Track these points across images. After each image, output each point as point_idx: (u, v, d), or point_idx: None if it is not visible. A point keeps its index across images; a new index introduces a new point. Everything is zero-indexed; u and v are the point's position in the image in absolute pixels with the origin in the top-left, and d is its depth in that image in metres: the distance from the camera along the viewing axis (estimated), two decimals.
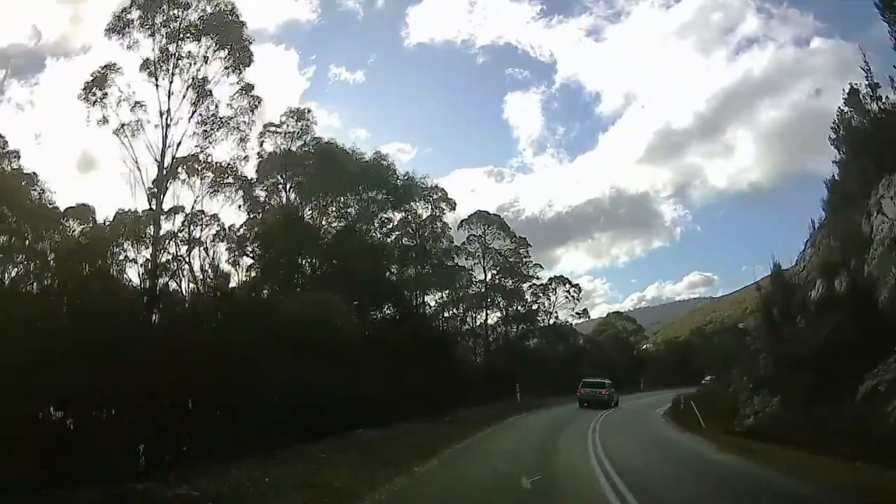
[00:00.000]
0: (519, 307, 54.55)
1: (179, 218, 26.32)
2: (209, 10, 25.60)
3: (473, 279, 51.36)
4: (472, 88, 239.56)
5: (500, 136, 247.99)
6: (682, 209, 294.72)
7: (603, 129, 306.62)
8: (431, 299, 42.47)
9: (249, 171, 29.52)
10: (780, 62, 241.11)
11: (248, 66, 26.27)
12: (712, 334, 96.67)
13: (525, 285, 56.72)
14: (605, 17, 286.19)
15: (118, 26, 25.02)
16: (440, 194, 40.96)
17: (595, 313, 78.41)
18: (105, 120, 24.48)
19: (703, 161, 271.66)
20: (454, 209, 42.69)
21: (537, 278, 57.81)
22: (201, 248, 26.30)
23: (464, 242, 51.17)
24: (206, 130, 25.37)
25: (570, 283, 60.46)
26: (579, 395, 36.43)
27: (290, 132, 31.50)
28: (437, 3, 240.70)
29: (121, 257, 22.11)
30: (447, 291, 44.19)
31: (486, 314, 52.50)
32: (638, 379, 63.91)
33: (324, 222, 30.67)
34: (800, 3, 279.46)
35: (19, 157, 25.18)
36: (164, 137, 24.43)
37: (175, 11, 25.15)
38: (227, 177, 27.03)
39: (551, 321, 58.45)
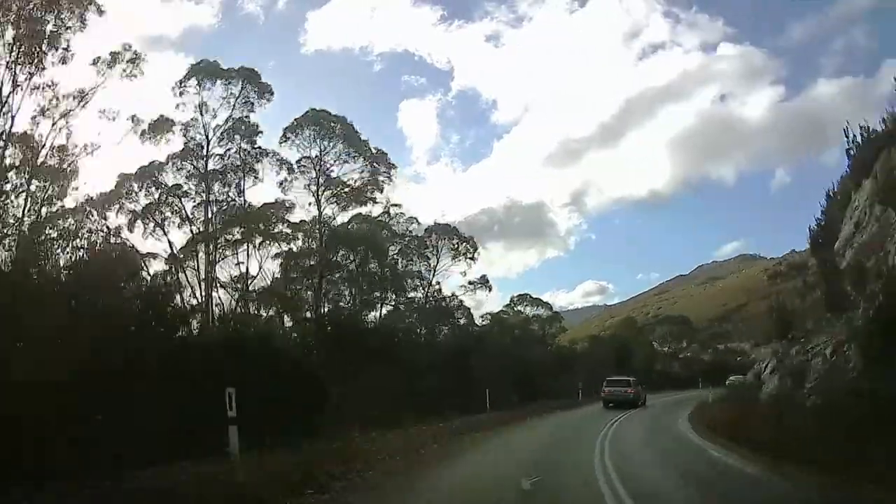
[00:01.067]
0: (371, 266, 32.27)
1: None
2: None
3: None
4: (368, 96, 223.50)
5: (394, 144, 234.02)
6: (577, 218, 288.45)
7: (498, 137, 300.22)
8: None
9: None
10: (686, 68, 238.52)
11: None
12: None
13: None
14: (507, 21, 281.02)
15: None
16: None
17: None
18: None
19: (601, 169, 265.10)
20: None
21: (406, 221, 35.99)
22: None
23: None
24: None
25: (459, 235, 38.96)
26: (603, 394, 35.69)
27: None
28: (339, 8, 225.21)
29: None
30: None
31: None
32: (574, 385, 42.61)
33: None
34: (710, 7, 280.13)
35: None
36: None
37: None
38: None
39: (432, 292, 36.83)
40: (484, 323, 45.34)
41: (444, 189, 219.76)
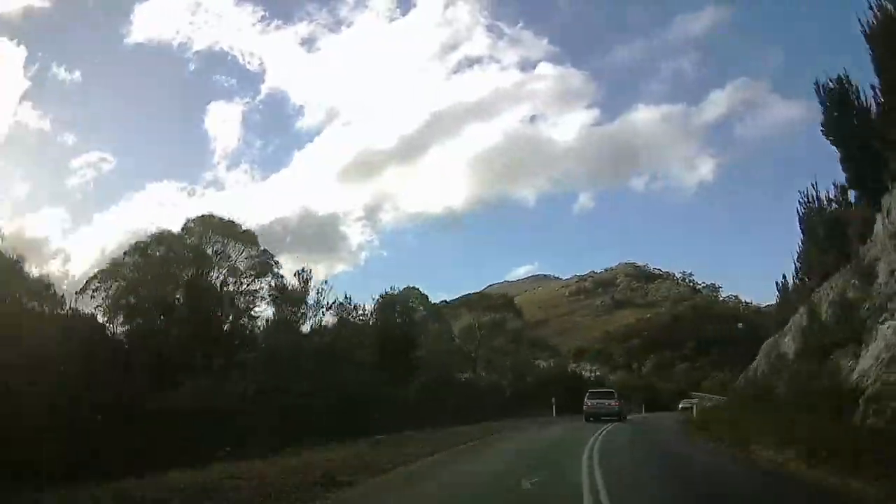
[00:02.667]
0: None
1: None
2: None
3: None
4: (179, 96, 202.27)
5: (198, 148, 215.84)
6: (370, 233, 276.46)
7: (300, 146, 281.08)
8: None
9: None
10: (500, 85, 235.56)
11: None
12: None
13: None
14: (326, 25, 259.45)
15: None
16: None
17: None
18: None
19: (400, 184, 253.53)
20: None
21: None
22: None
23: None
24: None
25: None
26: (585, 407, 34.34)
27: None
28: (164, 1, 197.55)
29: None
30: None
31: None
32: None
33: None
34: (536, 24, 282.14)
35: None
36: None
37: None
38: None
39: None
40: None
41: (243, 196, 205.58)
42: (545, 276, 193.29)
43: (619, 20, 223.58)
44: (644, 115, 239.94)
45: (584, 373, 71.63)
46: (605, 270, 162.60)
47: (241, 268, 32.09)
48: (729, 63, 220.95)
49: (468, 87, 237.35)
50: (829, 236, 29.66)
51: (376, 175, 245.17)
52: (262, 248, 33.45)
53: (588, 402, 34.55)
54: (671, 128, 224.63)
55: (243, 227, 32.95)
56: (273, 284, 32.50)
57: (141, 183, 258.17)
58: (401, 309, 41.13)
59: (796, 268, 36.61)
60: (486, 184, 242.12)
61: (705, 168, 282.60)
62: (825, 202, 32.85)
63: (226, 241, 31.66)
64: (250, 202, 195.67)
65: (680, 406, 61.88)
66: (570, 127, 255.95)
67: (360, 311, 37.27)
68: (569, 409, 44.83)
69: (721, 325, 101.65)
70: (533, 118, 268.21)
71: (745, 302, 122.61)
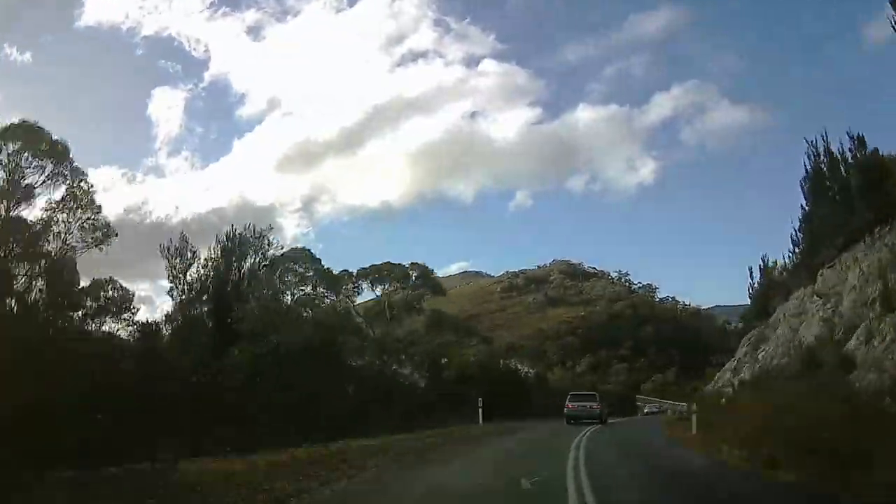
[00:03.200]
0: None
1: None
2: None
3: None
4: (125, 81, 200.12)
5: (141, 133, 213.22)
6: (306, 225, 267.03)
7: (240, 134, 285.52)
8: None
9: None
10: (443, 80, 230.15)
11: None
12: None
13: None
14: (273, 13, 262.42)
15: None
16: None
17: None
18: None
19: (338, 176, 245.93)
20: None
21: None
22: None
23: None
24: None
25: None
26: (567, 409, 33.84)
27: None
28: None
29: None
30: None
31: None
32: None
33: None
34: (484, 20, 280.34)
35: None
36: None
37: None
38: None
39: None
40: None
41: (183, 183, 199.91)
42: (477, 272, 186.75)
43: (569, 18, 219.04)
44: (587, 115, 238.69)
45: (518, 367, 63.40)
46: (539, 268, 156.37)
47: None
48: (680, 65, 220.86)
49: (411, 81, 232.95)
50: (863, 189, 22.61)
51: (315, 166, 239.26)
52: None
53: (570, 404, 34.10)
54: (614, 128, 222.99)
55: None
56: None
57: (83, 167, 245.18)
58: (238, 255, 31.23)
59: (795, 243, 29.57)
60: (424, 179, 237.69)
61: (646, 170, 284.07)
62: (839, 156, 26.04)
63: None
64: (189, 191, 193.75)
65: (646, 410, 58.61)
66: (511, 125, 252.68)
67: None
68: (504, 411, 36.49)
69: (661, 326, 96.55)
70: (474, 114, 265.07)
71: (683, 303, 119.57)
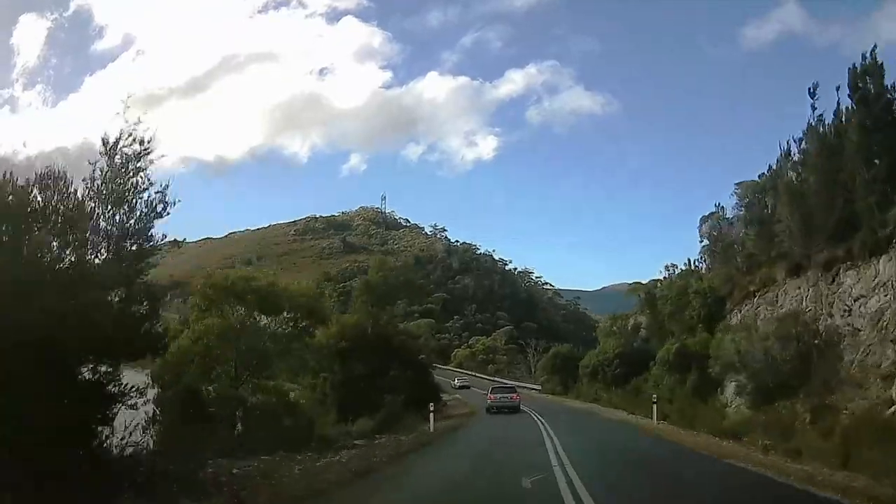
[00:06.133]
0: None
1: None
2: None
3: None
4: None
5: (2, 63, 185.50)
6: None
7: (92, 71, 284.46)
8: None
9: None
10: (297, 33, 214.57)
11: None
12: None
13: None
14: None
15: None
16: None
17: None
18: None
19: (176, 124, 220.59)
20: None
21: None
22: None
23: None
24: None
25: None
26: (489, 401, 36.82)
27: None
28: None
29: None
30: None
31: None
32: None
33: None
34: None
35: None
36: None
37: None
38: None
39: None
40: None
41: (33, 120, 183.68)
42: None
43: None
44: (435, 84, 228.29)
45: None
46: (342, 213, 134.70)
47: None
48: (541, 44, 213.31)
49: (266, 30, 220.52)
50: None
51: (156, 109, 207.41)
52: None
53: (491, 395, 37.57)
54: (460, 101, 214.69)
55: None
56: None
57: None
58: None
59: None
60: (262, 134, 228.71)
61: (487, 146, 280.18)
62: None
63: None
64: (39, 127, 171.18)
65: (455, 383, 56.02)
66: (357, 86, 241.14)
67: None
68: None
69: (483, 280, 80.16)
70: (322, 71, 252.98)
71: (503, 259, 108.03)
